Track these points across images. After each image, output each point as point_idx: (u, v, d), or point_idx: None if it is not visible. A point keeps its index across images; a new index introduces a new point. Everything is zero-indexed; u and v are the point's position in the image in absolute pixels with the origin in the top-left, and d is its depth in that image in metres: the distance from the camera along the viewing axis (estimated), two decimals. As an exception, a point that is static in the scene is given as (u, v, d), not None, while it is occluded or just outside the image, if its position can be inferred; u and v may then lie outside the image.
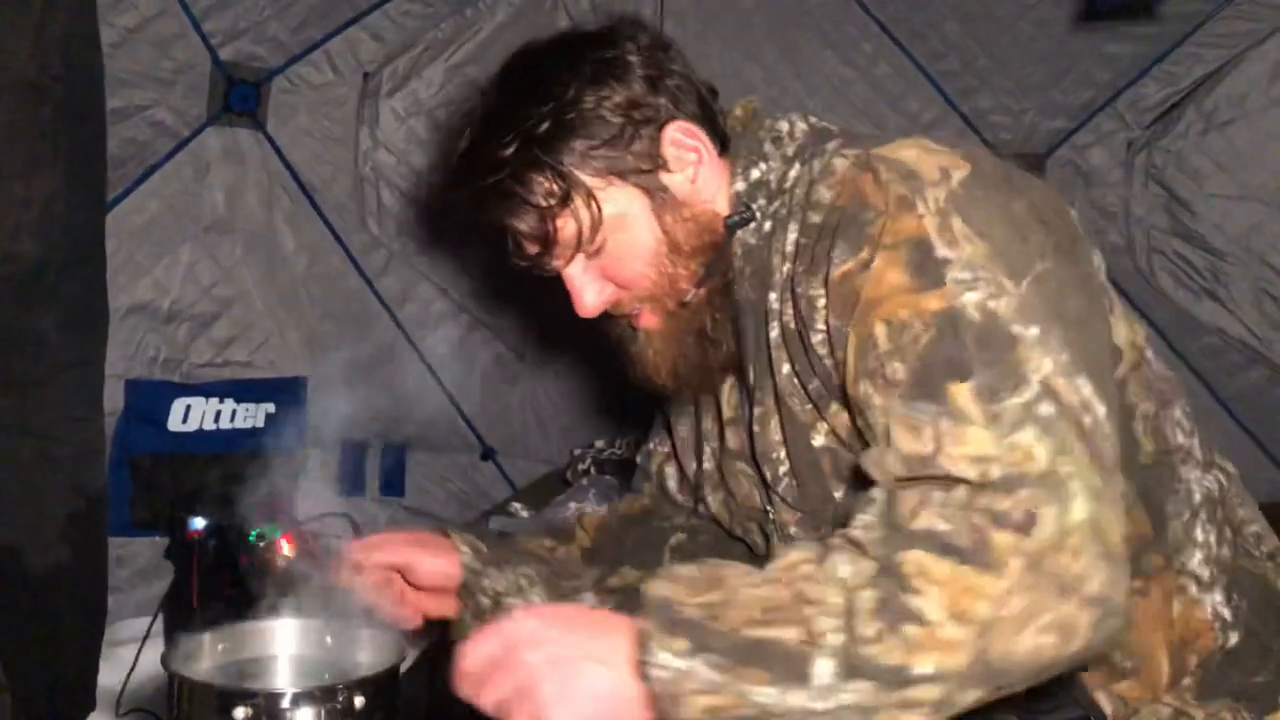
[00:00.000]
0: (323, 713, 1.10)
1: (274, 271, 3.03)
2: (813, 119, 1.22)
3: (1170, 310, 3.32)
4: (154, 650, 2.28)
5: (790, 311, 1.14)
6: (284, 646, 1.34)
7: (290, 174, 3.02)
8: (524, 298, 3.35)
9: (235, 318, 2.99)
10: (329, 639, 1.34)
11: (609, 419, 3.28)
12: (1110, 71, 3.29)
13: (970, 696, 0.89)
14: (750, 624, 0.89)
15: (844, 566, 0.91)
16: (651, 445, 1.56)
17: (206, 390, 2.95)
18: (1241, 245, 3.23)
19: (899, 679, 0.87)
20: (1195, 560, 1.14)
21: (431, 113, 3.10)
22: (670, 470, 1.52)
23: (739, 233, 1.19)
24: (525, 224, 1.18)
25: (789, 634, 0.88)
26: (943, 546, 0.88)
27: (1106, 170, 3.37)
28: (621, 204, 1.16)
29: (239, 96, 2.89)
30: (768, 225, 1.17)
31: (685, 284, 1.19)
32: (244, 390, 3.00)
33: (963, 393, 0.93)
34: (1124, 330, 1.14)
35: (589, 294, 1.22)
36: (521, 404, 3.44)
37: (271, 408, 3.02)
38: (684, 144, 1.18)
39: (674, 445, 1.47)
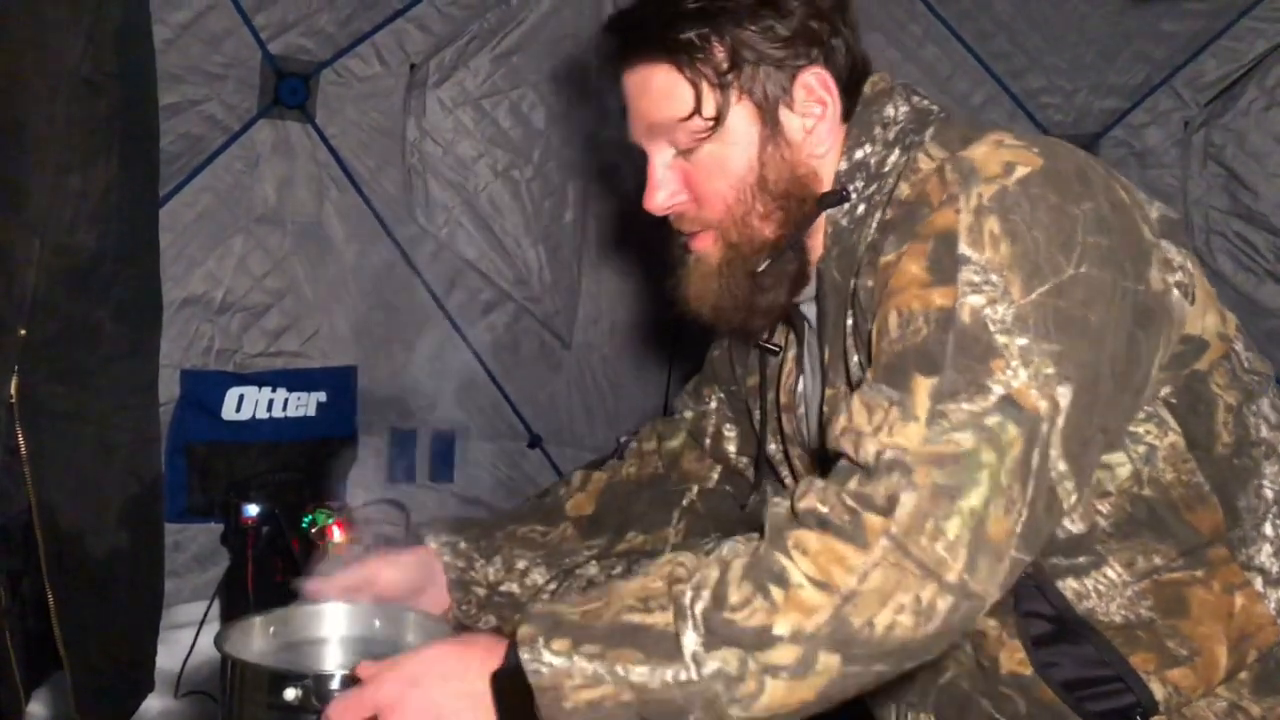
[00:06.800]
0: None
1: (324, 262, 3.07)
2: (915, 99, 1.21)
3: (1229, 293, 3.24)
4: (211, 633, 2.33)
5: (859, 301, 1.15)
6: (334, 629, 1.36)
7: (339, 166, 3.06)
8: (570, 286, 3.36)
9: (286, 308, 3.04)
10: (378, 622, 1.36)
11: (654, 406, 3.28)
12: (1166, 48, 3.22)
13: (824, 662, 0.92)
14: (625, 611, 0.96)
15: (730, 546, 0.98)
16: (707, 406, 1.54)
17: (259, 379, 3.00)
18: (1305, 225, 3.14)
19: (760, 641, 0.91)
20: (1264, 554, 1.12)
21: (477, 103, 3.12)
22: (729, 433, 1.51)
23: (833, 213, 1.18)
24: (657, 77, 1.17)
25: (660, 617, 0.95)
26: (820, 521, 0.94)
27: (1163, 150, 3.29)
28: (737, 120, 1.17)
29: (288, 90, 2.93)
30: (861, 209, 1.17)
31: (757, 221, 1.19)
32: (296, 379, 3.04)
33: (923, 387, 0.96)
34: (1214, 321, 1.13)
35: (662, 192, 1.21)
36: (567, 391, 3.46)
37: (323, 396, 3.06)
38: (814, 93, 1.17)
39: (751, 421, 1.46)
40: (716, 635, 0.92)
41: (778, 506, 0.99)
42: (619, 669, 0.93)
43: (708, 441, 1.53)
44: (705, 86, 1.15)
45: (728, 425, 1.52)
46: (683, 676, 0.92)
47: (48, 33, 1.74)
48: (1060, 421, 0.96)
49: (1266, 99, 3.13)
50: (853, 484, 0.94)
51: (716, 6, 1.15)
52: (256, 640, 1.29)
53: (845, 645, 0.91)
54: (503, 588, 1.44)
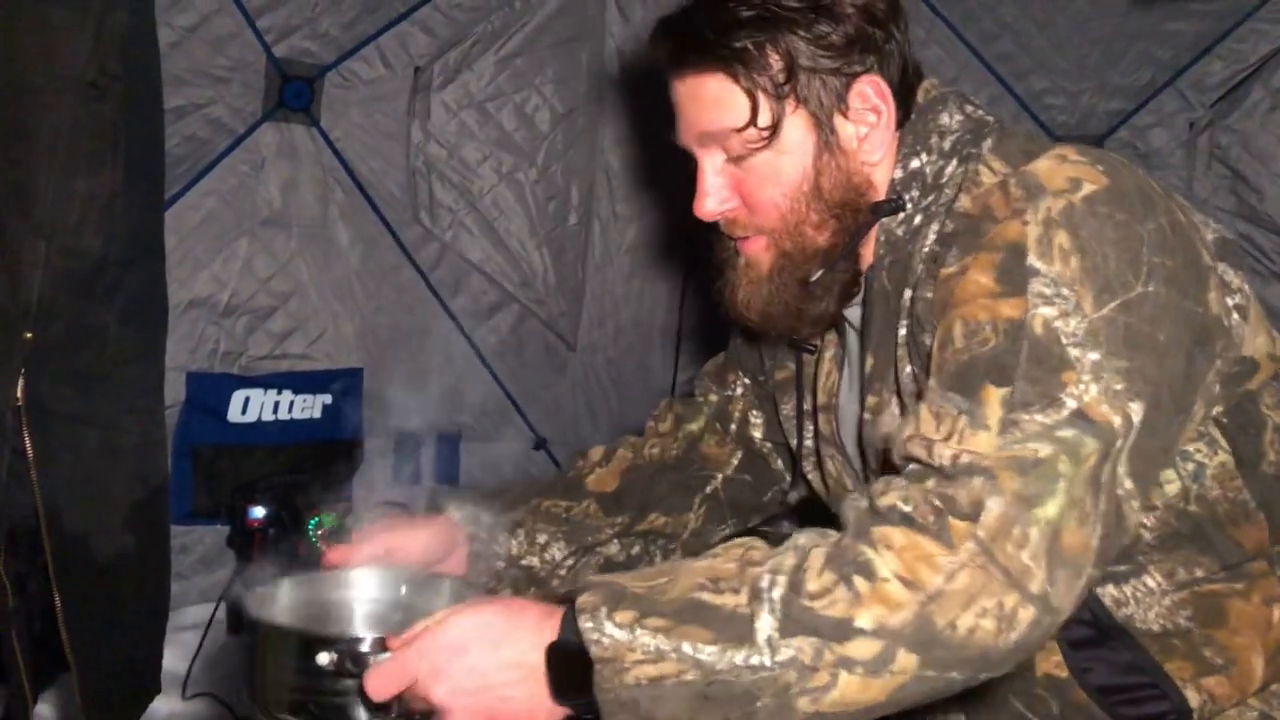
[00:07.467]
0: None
1: (329, 265, 3.08)
2: (969, 108, 1.20)
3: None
4: (217, 636, 2.34)
5: (916, 312, 1.14)
6: (361, 592, 1.32)
7: (344, 168, 3.06)
8: (575, 288, 3.36)
9: (292, 311, 3.04)
10: (404, 587, 1.32)
11: (660, 408, 3.28)
12: (1171, 49, 3.21)
13: (903, 661, 0.89)
14: (695, 589, 0.92)
15: (807, 535, 0.95)
16: (733, 391, 1.53)
17: (265, 382, 3.00)
18: (1311, 227, 3.13)
19: (840, 632, 0.88)
20: None
21: (482, 105, 3.12)
22: (756, 419, 1.51)
23: (887, 221, 1.17)
24: (711, 85, 1.15)
25: (733, 598, 0.91)
26: (904, 519, 0.92)
27: (1168, 152, 3.29)
28: (792, 130, 1.15)
29: (293, 93, 2.93)
30: (917, 219, 1.15)
31: (810, 230, 1.18)
32: (301, 382, 3.05)
33: (994, 397, 0.94)
34: (1265, 342, 1.14)
35: (712, 199, 1.20)
36: (572, 393, 3.46)
37: (328, 399, 3.06)
38: (869, 100, 1.16)
39: (777, 412, 1.45)
40: (794, 622, 0.89)
41: (858, 501, 0.97)
42: (686, 646, 0.89)
43: (733, 426, 1.52)
44: (761, 96, 1.14)
45: (754, 412, 1.51)
46: (754, 660, 0.89)
47: (53, 36, 1.75)
48: (1132, 438, 0.95)
49: (1272, 100, 3.13)
50: (932, 484, 0.93)
51: (771, 14, 1.13)
52: (280, 604, 1.24)
53: (926, 646, 0.89)
54: (523, 561, 1.43)
